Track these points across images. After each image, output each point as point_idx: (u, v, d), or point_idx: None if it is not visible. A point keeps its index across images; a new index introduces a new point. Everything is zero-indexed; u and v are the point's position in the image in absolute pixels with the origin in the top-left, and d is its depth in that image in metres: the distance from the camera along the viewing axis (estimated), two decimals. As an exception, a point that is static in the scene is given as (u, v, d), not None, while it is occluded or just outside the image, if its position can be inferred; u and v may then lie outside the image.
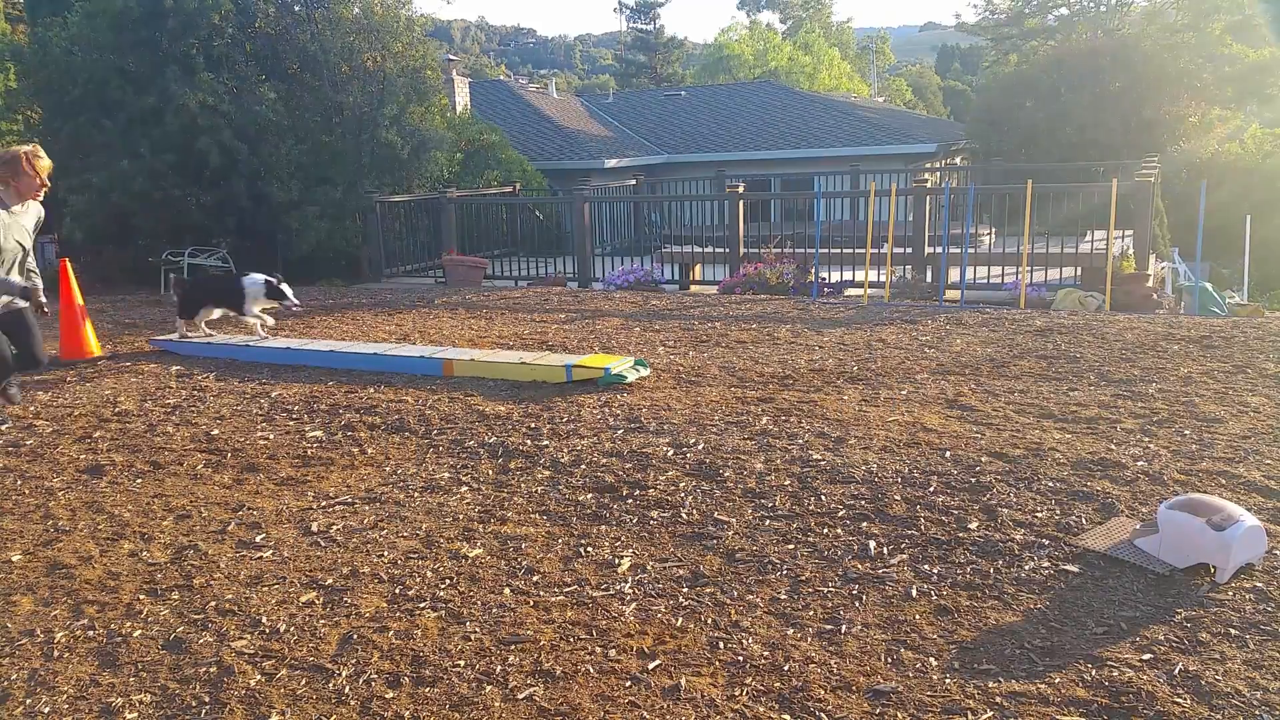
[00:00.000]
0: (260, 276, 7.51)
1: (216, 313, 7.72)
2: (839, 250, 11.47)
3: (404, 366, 6.63)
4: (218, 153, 13.01)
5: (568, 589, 3.24)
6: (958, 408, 5.25)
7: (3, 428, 5.43)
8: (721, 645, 2.85)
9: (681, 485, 4.17)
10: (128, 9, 13.03)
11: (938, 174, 18.17)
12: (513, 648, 2.87)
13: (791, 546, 3.52)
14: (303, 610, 3.15)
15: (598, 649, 2.85)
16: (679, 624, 2.98)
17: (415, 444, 4.96)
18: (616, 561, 3.44)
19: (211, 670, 2.79)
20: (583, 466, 4.46)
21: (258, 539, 3.77)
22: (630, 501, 4.02)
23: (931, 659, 2.73)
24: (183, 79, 12.86)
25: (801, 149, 23.36)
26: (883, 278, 10.66)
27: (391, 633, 2.98)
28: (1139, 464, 4.22)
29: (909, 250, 11.34)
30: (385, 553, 3.59)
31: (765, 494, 4.02)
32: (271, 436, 5.19)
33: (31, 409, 5.92)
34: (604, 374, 5.97)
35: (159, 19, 13.11)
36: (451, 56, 24.58)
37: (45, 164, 5.21)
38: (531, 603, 3.15)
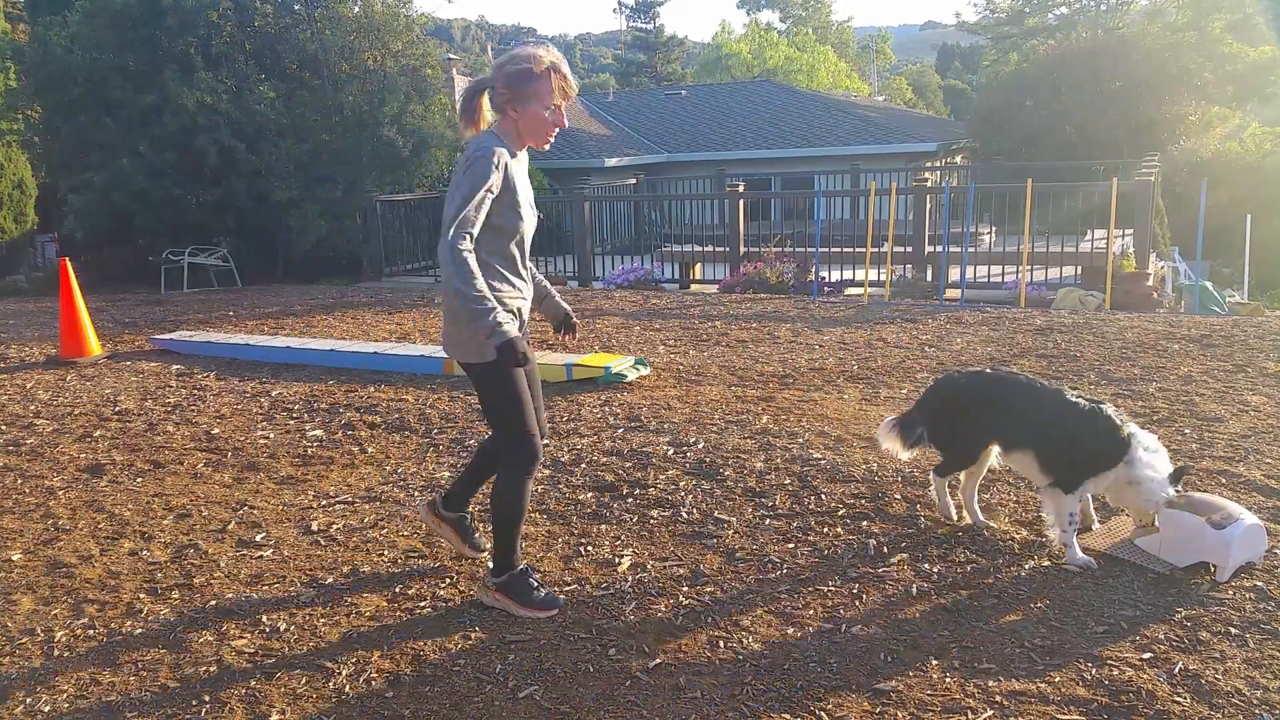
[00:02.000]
0: (1165, 464, 3.31)
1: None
2: (839, 249, 11.47)
3: (404, 365, 6.63)
4: (217, 152, 13.02)
5: (568, 588, 3.24)
6: (958, 407, 5.24)
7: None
8: (722, 644, 2.85)
9: (682, 484, 4.17)
10: (127, 8, 13.04)
11: (938, 173, 18.15)
12: (513, 647, 2.87)
13: (792, 545, 3.52)
14: (303, 609, 3.15)
15: (598, 648, 2.85)
16: (679, 623, 2.98)
17: (416, 443, 4.96)
18: (616, 560, 3.44)
19: (212, 669, 2.79)
20: (583, 465, 4.46)
21: (258, 538, 3.77)
22: (630, 500, 4.02)
23: (932, 658, 2.73)
24: (182, 78, 12.87)
25: (802, 148, 23.32)
26: (883, 277, 10.66)
27: (391, 632, 2.98)
28: (1139, 463, 4.22)
29: (909, 249, 11.33)
30: (385, 552, 3.59)
31: (765, 493, 4.02)
32: (272, 435, 5.19)
33: (31, 408, 5.92)
34: (604, 373, 5.97)
35: (158, 18, 13.12)
36: (452, 55, 24.55)
37: (571, 87, 2.91)
38: (532, 602, 3.15)
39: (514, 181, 2.87)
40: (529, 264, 3.09)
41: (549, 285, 3.32)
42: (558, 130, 2.96)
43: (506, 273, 2.95)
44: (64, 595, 3.31)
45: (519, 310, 3.00)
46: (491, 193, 2.80)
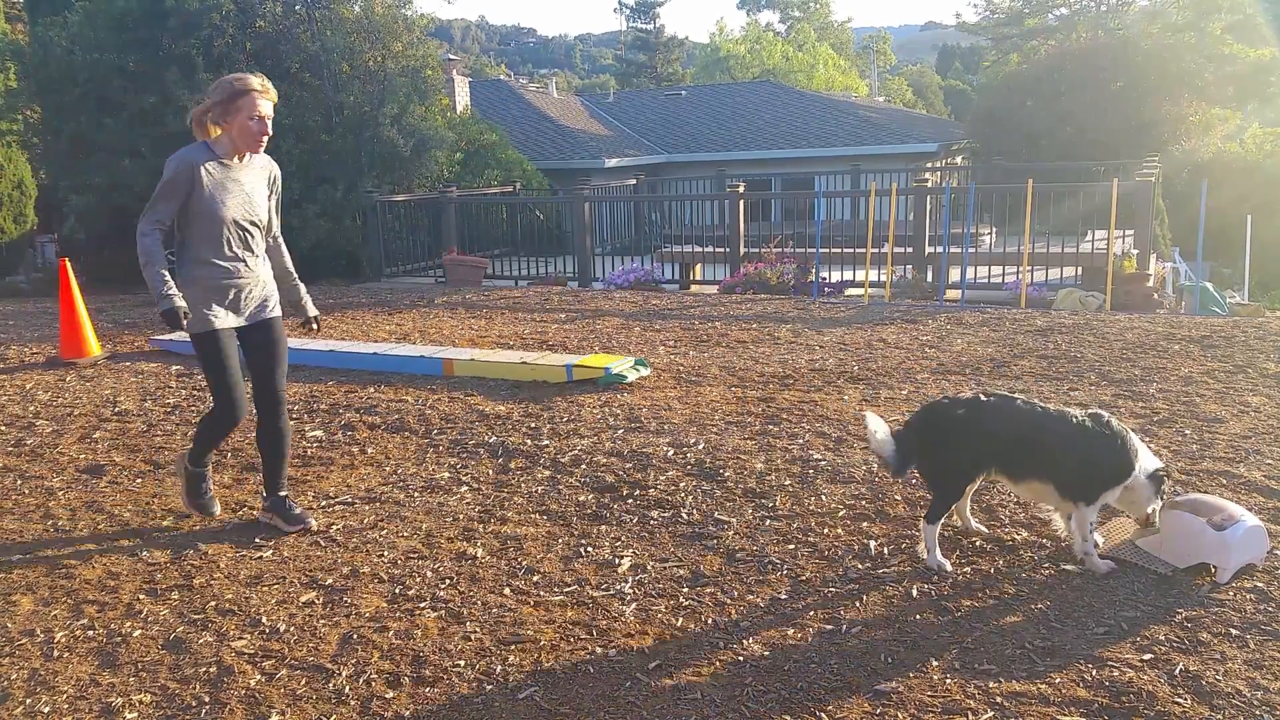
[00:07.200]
0: (1150, 460, 3.28)
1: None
2: (840, 250, 11.47)
3: (404, 366, 6.63)
4: (219, 153, 13.00)
5: (568, 589, 3.24)
6: (958, 407, 5.23)
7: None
8: (722, 645, 2.84)
9: (682, 485, 4.16)
10: (128, 9, 13.04)
11: (938, 173, 18.16)
12: (513, 648, 2.87)
13: (792, 546, 3.51)
14: (303, 610, 3.15)
15: (598, 649, 2.84)
16: (679, 624, 2.98)
17: (415, 444, 4.96)
18: (617, 561, 3.44)
19: (211, 670, 2.79)
20: (583, 466, 4.45)
21: (258, 538, 3.77)
22: (630, 501, 4.02)
23: (932, 659, 2.73)
24: (184, 79, 12.86)
25: (802, 148, 23.34)
26: (883, 277, 10.65)
27: (391, 633, 2.98)
28: (1140, 464, 4.21)
29: (910, 250, 11.33)
30: (385, 552, 3.59)
31: (766, 494, 4.02)
32: (272, 436, 5.18)
33: (31, 409, 5.92)
34: (604, 374, 5.97)
35: (160, 18, 13.11)
36: (452, 56, 24.55)
37: (266, 100, 3.53)
38: (532, 603, 3.15)
39: (203, 178, 3.52)
40: (259, 248, 3.78)
41: (301, 288, 4.17)
42: (263, 136, 3.56)
43: (211, 256, 3.58)
44: (64, 595, 3.31)
45: (227, 287, 3.65)
46: (173, 189, 3.49)
